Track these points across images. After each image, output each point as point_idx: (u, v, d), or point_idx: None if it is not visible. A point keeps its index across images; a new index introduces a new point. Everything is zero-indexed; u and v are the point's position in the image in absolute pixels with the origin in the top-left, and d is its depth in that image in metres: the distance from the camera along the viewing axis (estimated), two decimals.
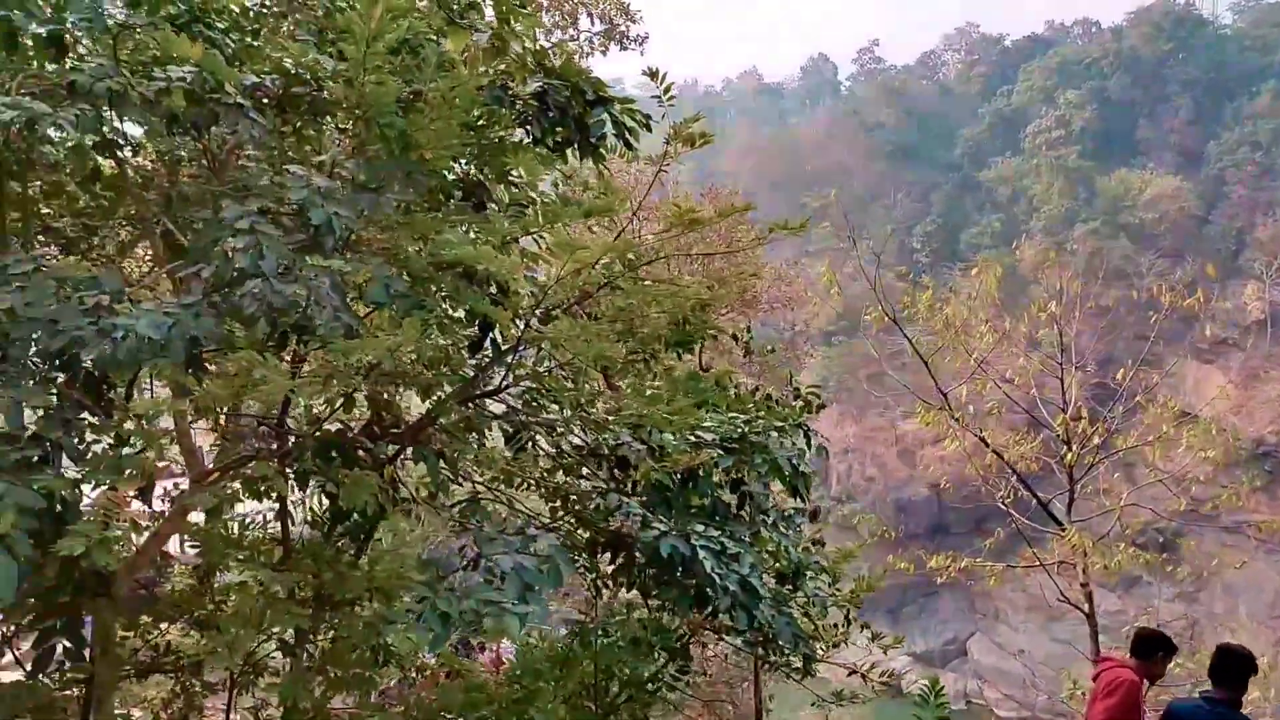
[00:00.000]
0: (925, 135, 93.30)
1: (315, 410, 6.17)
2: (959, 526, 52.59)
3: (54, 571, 4.70)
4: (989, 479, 11.66)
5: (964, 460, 12.42)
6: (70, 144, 5.22)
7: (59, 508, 4.27)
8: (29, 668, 5.47)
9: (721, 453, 5.73)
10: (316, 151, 5.83)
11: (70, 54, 5.33)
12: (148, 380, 6.44)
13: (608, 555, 6.29)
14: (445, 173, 5.71)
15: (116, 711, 5.73)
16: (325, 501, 6.20)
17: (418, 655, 6.87)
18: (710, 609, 5.48)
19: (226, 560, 6.40)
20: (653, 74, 5.41)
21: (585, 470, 6.29)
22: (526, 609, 4.65)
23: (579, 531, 6.49)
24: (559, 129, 6.12)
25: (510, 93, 5.89)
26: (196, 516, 6.06)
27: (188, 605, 6.22)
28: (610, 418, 5.86)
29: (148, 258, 8.21)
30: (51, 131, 5.18)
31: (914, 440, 58.60)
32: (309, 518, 6.66)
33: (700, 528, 5.17)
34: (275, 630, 5.79)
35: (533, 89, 5.74)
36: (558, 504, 6.73)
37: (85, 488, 4.68)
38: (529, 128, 5.98)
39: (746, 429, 5.82)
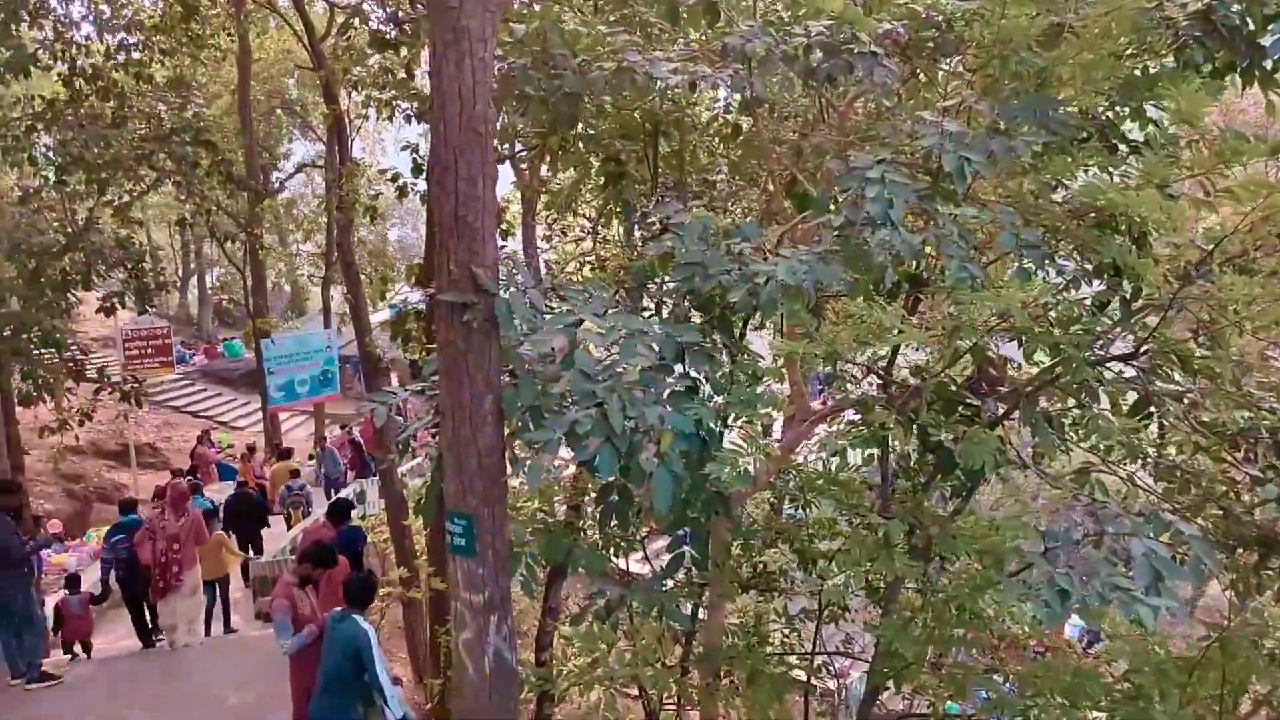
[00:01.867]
0: None
1: (918, 362, 6.13)
2: None
3: (688, 489, 5.29)
4: None
5: None
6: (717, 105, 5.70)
7: (703, 434, 4.73)
8: (659, 569, 6.27)
9: None
10: (941, 96, 5.67)
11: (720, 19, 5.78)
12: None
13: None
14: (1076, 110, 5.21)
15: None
16: (918, 454, 6.16)
17: (1001, 623, 6.59)
18: None
19: (820, 497, 6.70)
20: None
21: (1224, 454, 5.42)
22: (1160, 602, 4.14)
23: (1203, 521, 5.65)
24: (1219, 53, 5.23)
25: (1164, 15, 5.15)
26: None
27: (787, 534, 6.62)
28: (1269, 395, 4.95)
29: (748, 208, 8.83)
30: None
31: None
32: (899, 467, 6.68)
33: None
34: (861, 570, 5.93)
35: (1197, 7, 4.94)
36: (1174, 486, 5.95)
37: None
38: (1184, 53, 5.19)
39: None
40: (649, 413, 4.48)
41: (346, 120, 16.00)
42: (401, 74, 11.35)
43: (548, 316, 5.00)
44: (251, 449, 20.68)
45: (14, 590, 8.71)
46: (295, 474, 18.29)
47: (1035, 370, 5.50)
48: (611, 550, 6.55)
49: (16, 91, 11.04)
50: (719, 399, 5.11)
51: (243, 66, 20.60)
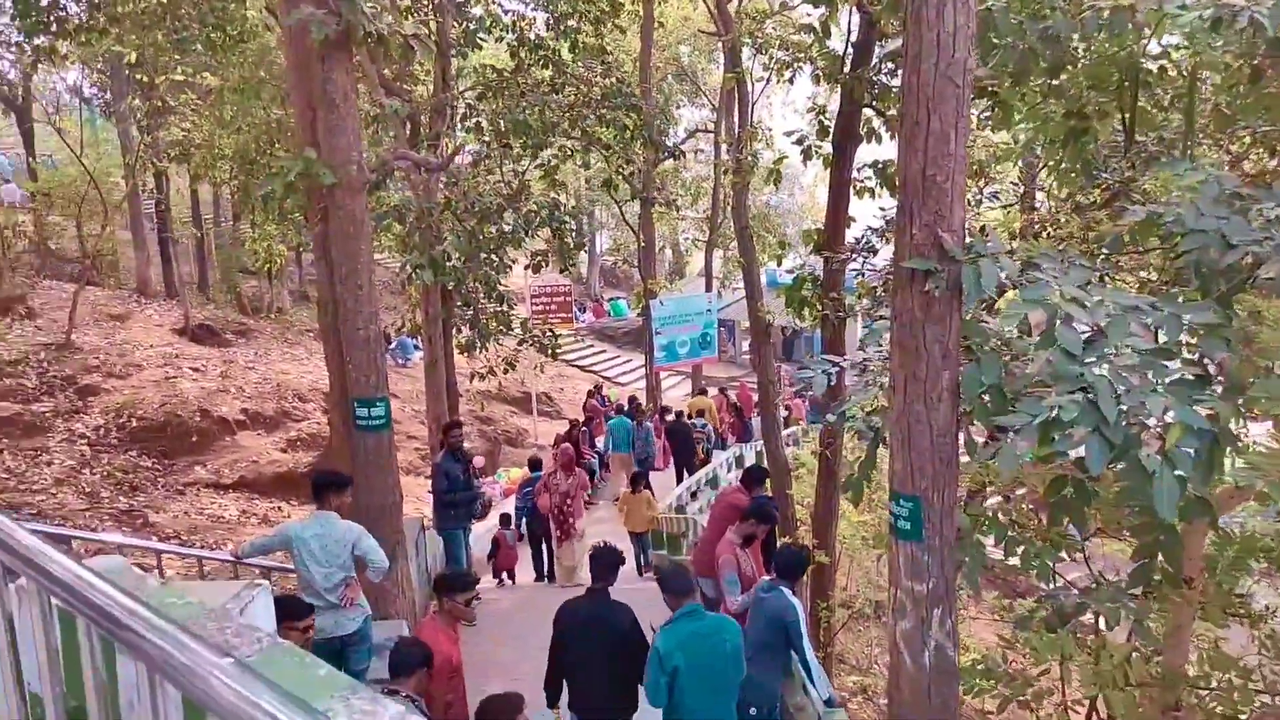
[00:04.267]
0: None
1: None
2: None
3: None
4: None
5: None
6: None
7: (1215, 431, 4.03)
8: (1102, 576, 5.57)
9: None
10: None
11: None
12: None
13: None
14: None
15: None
16: None
17: None
18: None
19: None
20: None
21: None
22: None
23: None
24: None
25: None
26: None
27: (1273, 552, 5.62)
28: None
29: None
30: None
31: None
32: None
33: None
34: None
35: None
36: None
37: None
38: None
39: None
40: (1150, 402, 3.87)
41: (747, 83, 16.09)
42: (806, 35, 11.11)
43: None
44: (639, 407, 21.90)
45: (443, 525, 9.74)
46: (702, 413, 20.12)
47: None
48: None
49: (473, 61, 12.24)
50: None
51: (645, 34, 21.51)
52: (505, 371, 12.53)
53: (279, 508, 14.93)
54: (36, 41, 11.92)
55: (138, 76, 18.15)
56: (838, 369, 5.52)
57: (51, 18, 11.14)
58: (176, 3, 11.24)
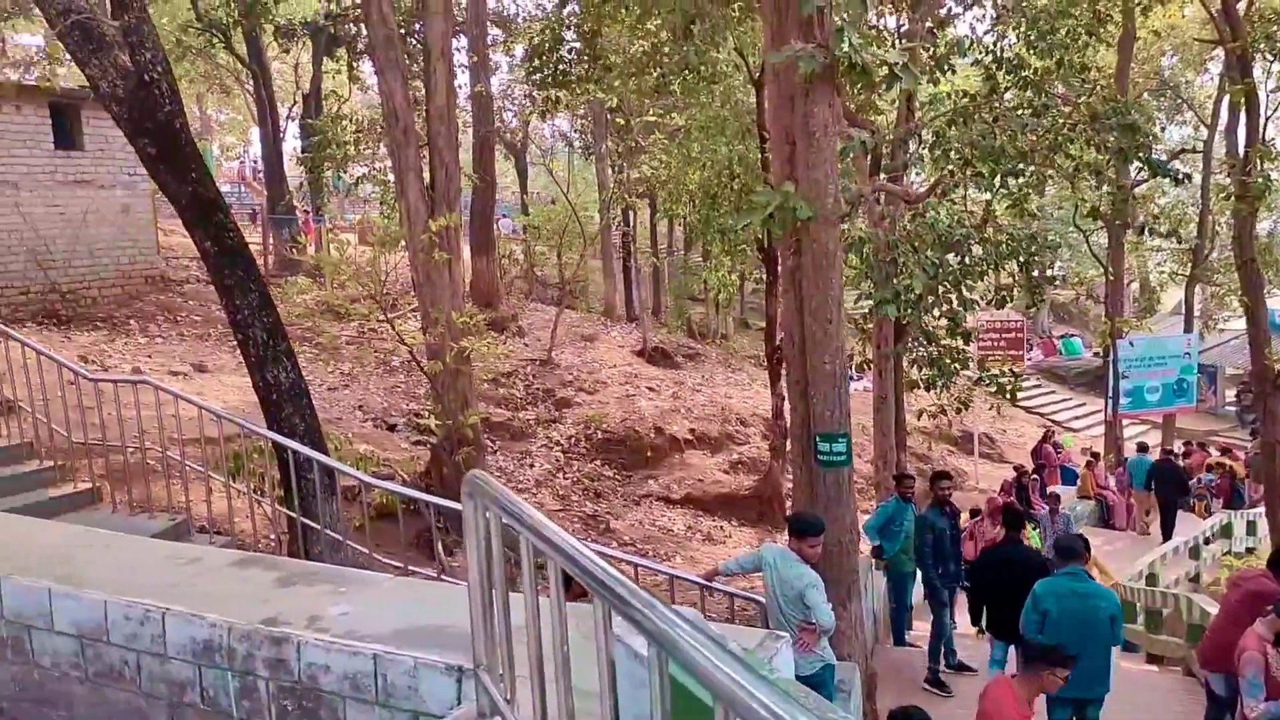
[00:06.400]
0: None
1: None
2: None
3: None
4: None
5: None
6: None
7: None
8: None
9: None
10: None
11: None
12: None
13: None
14: None
15: None
16: None
17: None
18: None
19: None
20: None
21: None
22: None
23: None
24: None
25: None
26: None
27: None
28: None
29: None
30: None
31: None
32: None
33: None
34: None
35: None
36: None
37: None
38: None
39: None
40: None
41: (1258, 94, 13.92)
42: None
43: None
44: (1096, 456, 19.75)
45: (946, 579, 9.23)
46: (1218, 466, 19.13)
47: None
48: None
49: (943, 87, 11.80)
50: None
51: (1124, 46, 19.56)
52: (959, 411, 11.87)
53: (721, 526, 15.50)
54: (544, 94, 13.59)
55: (616, 120, 20.07)
56: None
57: (558, 71, 12.64)
58: (660, 49, 12.17)
